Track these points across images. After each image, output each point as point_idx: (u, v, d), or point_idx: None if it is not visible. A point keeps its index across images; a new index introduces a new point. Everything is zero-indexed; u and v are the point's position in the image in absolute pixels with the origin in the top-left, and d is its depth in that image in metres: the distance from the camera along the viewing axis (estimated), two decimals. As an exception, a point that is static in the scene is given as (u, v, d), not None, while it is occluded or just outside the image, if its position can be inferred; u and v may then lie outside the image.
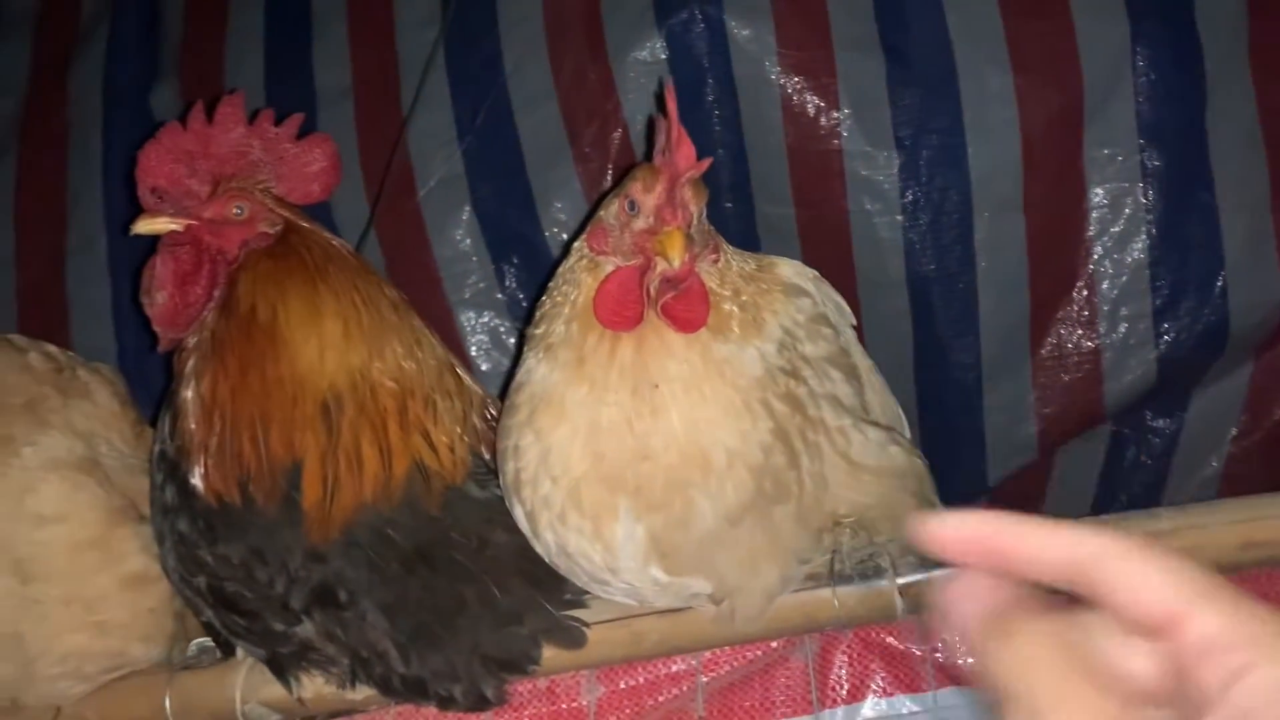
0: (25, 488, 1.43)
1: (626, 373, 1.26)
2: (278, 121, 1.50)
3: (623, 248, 1.28)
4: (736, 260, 1.36)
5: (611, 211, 1.30)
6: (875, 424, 1.42)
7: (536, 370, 1.34)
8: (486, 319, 2.66)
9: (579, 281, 1.32)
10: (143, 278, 1.44)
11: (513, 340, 2.67)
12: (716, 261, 1.31)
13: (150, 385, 1.81)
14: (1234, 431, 2.65)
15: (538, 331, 1.36)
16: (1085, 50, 2.41)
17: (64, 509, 1.45)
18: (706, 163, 1.24)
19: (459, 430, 1.46)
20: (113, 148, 2.79)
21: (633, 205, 1.25)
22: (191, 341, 1.43)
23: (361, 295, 1.46)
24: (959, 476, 2.75)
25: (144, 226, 1.42)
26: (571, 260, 1.37)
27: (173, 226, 1.41)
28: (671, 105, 1.23)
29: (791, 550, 1.34)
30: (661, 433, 1.25)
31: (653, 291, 1.25)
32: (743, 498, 1.27)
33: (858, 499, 1.37)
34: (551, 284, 1.39)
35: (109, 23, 2.89)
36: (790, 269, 1.45)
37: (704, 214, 1.28)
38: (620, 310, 1.26)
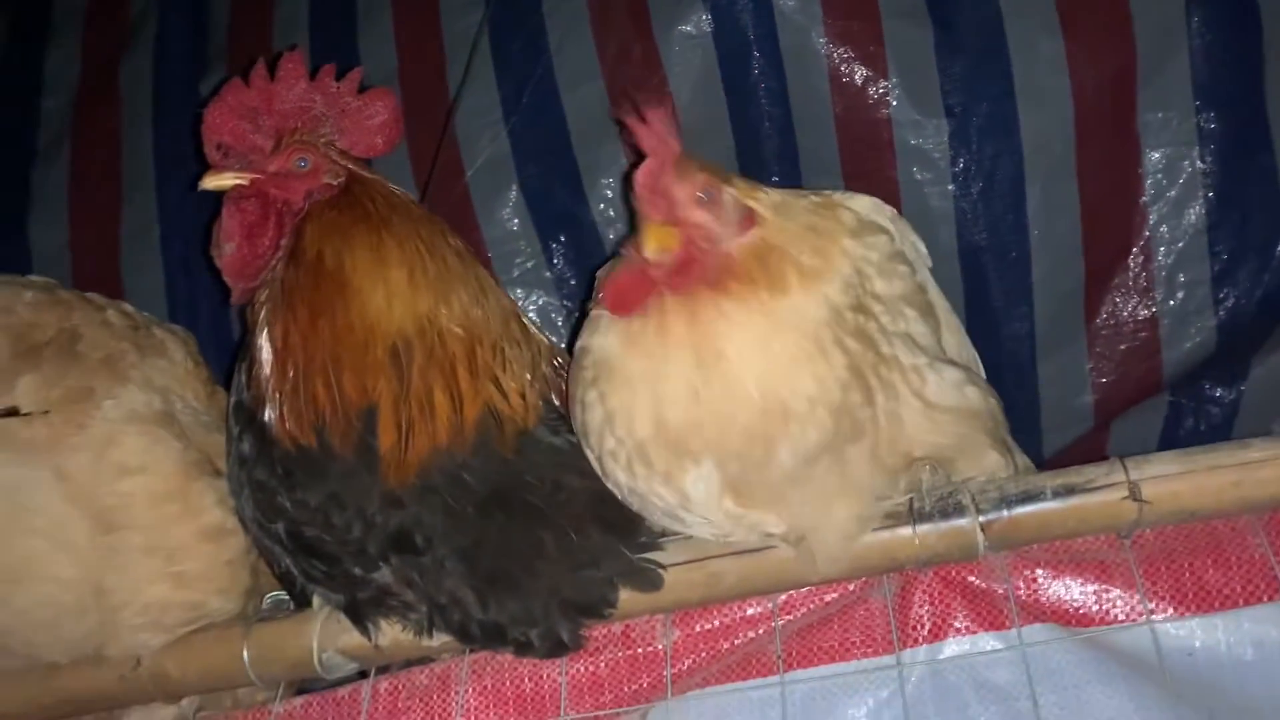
0: (108, 440, 1.45)
1: (685, 346, 1.25)
2: (338, 77, 1.51)
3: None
4: (797, 212, 1.35)
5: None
6: (952, 363, 1.40)
7: (595, 335, 1.34)
8: (535, 298, 2.66)
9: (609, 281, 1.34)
10: (213, 232, 1.45)
11: (561, 319, 2.66)
12: (748, 230, 1.29)
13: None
14: (1297, 401, 2.60)
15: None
16: (1139, 12, 2.38)
17: (144, 460, 1.46)
18: (677, 145, 1.25)
19: (529, 377, 1.45)
20: (163, 140, 2.82)
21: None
22: (263, 294, 1.44)
23: (425, 244, 1.46)
24: (1013, 449, 2.72)
25: (211, 182, 1.43)
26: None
27: (239, 181, 1.43)
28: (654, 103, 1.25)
29: (866, 489, 1.33)
30: (737, 398, 1.24)
31: (656, 278, 1.26)
32: (823, 438, 1.26)
33: (934, 439, 1.36)
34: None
35: (157, 18, 2.93)
36: (867, 204, 1.43)
37: (716, 190, 1.28)
38: (623, 299, 1.29)
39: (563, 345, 2.28)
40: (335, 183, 1.47)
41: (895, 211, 1.46)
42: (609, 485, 1.36)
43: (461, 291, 1.45)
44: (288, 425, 1.37)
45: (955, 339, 1.48)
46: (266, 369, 1.40)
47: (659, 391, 1.26)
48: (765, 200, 1.32)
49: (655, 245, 1.23)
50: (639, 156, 1.26)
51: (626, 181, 1.30)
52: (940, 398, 1.35)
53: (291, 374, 1.38)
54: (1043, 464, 2.71)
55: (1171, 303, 2.52)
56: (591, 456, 1.37)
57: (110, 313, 1.58)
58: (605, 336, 1.32)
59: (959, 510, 1.33)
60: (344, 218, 1.44)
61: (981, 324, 2.61)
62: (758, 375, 1.24)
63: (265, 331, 1.41)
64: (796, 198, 1.40)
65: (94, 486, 1.43)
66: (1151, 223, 2.49)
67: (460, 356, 1.41)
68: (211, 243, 1.46)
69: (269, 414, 1.39)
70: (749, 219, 1.29)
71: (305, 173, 1.45)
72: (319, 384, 1.36)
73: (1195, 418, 2.63)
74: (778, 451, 1.25)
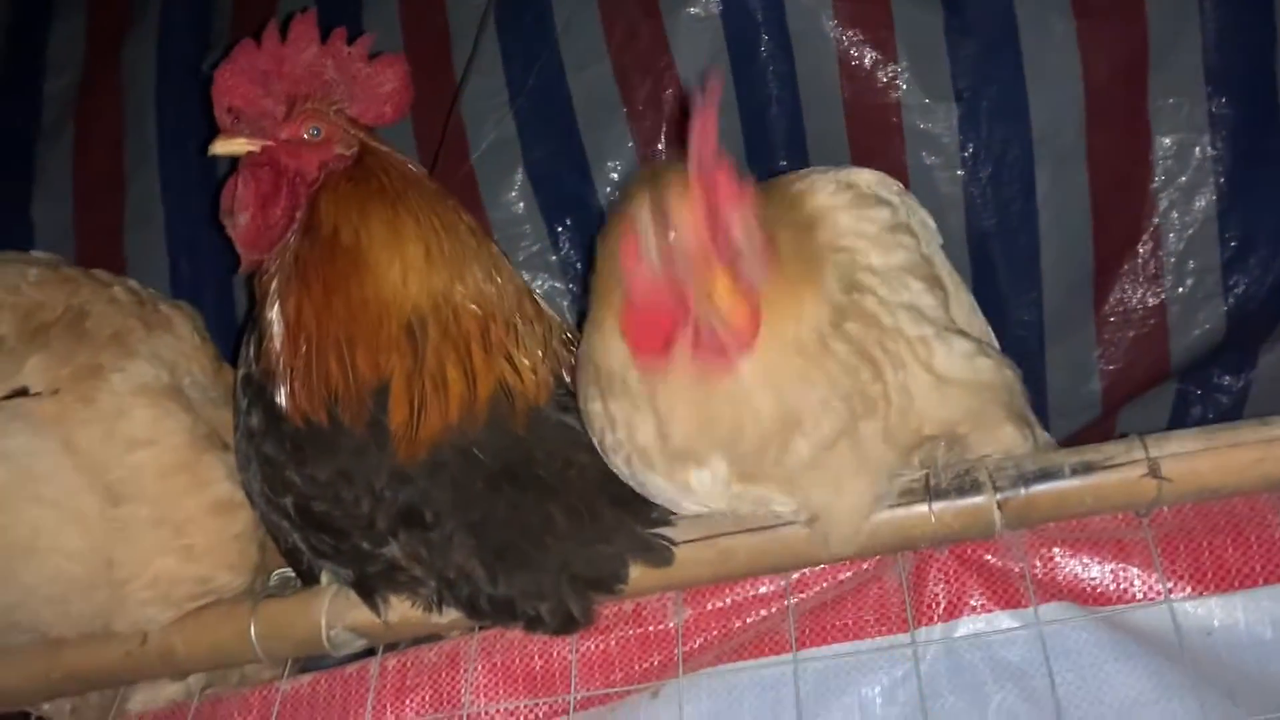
0: (117, 412, 1.44)
1: (690, 370, 1.19)
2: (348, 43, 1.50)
3: (654, 264, 1.16)
4: (778, 218, 1.24)
5: (644, 219, 1.16)
6: (962, 334, 1.38)
7: (594, 338, 1.29)
8: (541, 281, 2.65)
9: (614, 278, 1.23)
10: (222, 199, 1.44)
11: (567, 303, 2.65)
12: (762, 273, 1.17)
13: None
14: (1306, 388, 2.59)
15: (590, 305, 1.31)
16: (1151, -5, 2.37)
17: (153, 433, 1.46)
18: (750, 196, 1.12)
19: (540, 353, 1.44)
20: (167, 121, 2.81)
21: (665, 221, 1.14)
22: (273, 265, 1.42)
23: (440, 219, 1.45)
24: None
25: (221, 147, 1.42)
26: (605, 239, 1.27)
27: (250, 148, 1.42)
28: (708, 116, 1.10)
29: (880, 466, 1.31)
30: (748, 414, 1.21)
31: (690, 333, 1.16)
32: (838, 425, 1.25)
33: (945, 414, 1.34)
34: (598, 258, 1.30)
35: (162, -2, 2.91)
36: (871, 178, 1.41)
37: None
38: (649, 342, 1.19)
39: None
40: (349, 153, 1.46)
41: (902, 186, 1.44)
42: (611, 466, 1.35)
43: (476, 268, 1.44)
44: (299, 401, 1.36)
45: (965, 313, 1.46)
46: (277, 343, 1.38)
47: (664, 409, 1.23)
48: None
49: (730, 310, 1.14)
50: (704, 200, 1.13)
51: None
52: (949, 369, 1.32)
53: (304, 349, 1.36)
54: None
55: (1181, 289, 2.51)
56: (594, 439, 1.36)
57: (116, 289, 1.57)
58: (609, 342, 1.25)
59: (975, 488, 1.31)
60: (359, 191, 1.43)
61: (989, 310, 2.53)
62: (767, 395, 1.21)
63: (277, 305, 1.40)
64: (784, 185, 1.38)
65: (103, 459, 1.42)
66: (1162, 209, 2.47)
67: (474, 333, 1.40)
68: (221, 210, 1.44)
69: (280, 389, 1.37)
70: (766, 250, 1.18)
71: (318, 142, 1.43)
72: (332, 360, 1.35)
73: (1203, 405, 2.62)
74: (794, 446, 1.24)
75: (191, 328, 1.61)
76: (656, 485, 1.32)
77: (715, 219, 1.12)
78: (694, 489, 1.30)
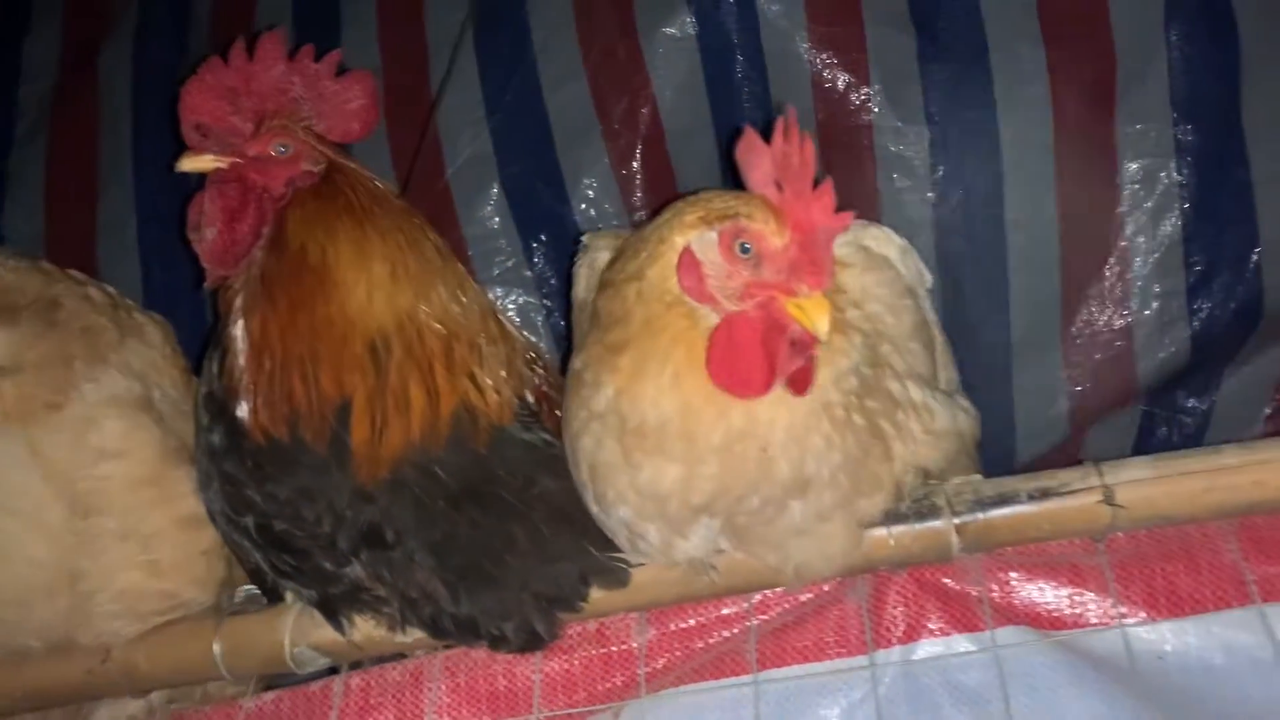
0: (87, 422, 1.43)
1: (733, 431, 1.19)
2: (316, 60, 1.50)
3: (728, 292, 1.17)
4: None
5: (708, 243, 1.17)
6: (943, 391, 1.42)
7: (628, 386, 1.22)
8: (515, 297, 2.66)
9: (667, 323, 1.19)
10: (189, 214, 1.44)
11: (541, 319, 2.66)
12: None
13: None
14: (1267, 411, 2.61)
15: (611, 357, 1.24)
16: (1118, 23, 2.40)
17: (124, 445, 1.45)
18: (849, 217, 1.13)
19: (504, 374, 1.45)
20: (142, 130, 2.80)
21: (746, 248, 1.14)
22: (239, 281, 1.42)
23: (407, 237, 1.45)
24: (988, 455, 2.72)
25: (189, 164, 1.42)
26: (638, 284, 1.22)
27: (218, 164, 1.42)
28: (802, 140, 1.12)
29: (864, 534, 1.34)
30: (767, 478, 1.21)
31: (782, 357, 1.16)
32: (838, 498, 1.26)
33: (931, 461, 1.37)
34: (612, 298, 1.27)
35: (139, 7, 2.91)
36: (874, 240, 1.43)
37: None
38: (742, 372, 1.15)
39: (542, 344, 2.27)
40: (316, 170, 1.46)
41: (906, 243, 1.47)
42: (594, 510, 1.34)
43: (441, 287, 1.45)
44: (261, 418, 1.36)
45: (943, 360, 1.49)
46: (241, 359, 1.38)
47: (696, 468, 1.21)
48: None
49: (828, 321, 1.11)
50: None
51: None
52: (943, 425, 1.36)
53: (268, 366, 1.36)
54: (1016, 472, 2.75)
55: (1147, 313, 2.53)
56: (587, 489, 1.33)
57: (92, 289, 1.57)
58: (660, 397, 1.20)
59: (934, 512, 1.33)
60: (327, 208, 1.43)
61: (959, 332, 2.59)
62: (793, 456, 1.21)
63: (241, 321, 1.40)
64: None
65: (71, 469, 1.41)
66: (1128, 233, 2.50)
67: (438, 353, 1.40)
68: (188, 225, 1.44)
69: (242, 406, 1.37)
70: None
71: (286, 159, 1.43)
72: (295, 377, 1.35)
73: (1168, 427, 2.65)
74: (790, 510, 1.25)
75: (163, 338, 1.61)
76: (646, 536, 1.31)
77: (817, 241, 1.12)
78: (683, 545, 1.31)
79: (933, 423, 1.34)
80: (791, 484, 1.22)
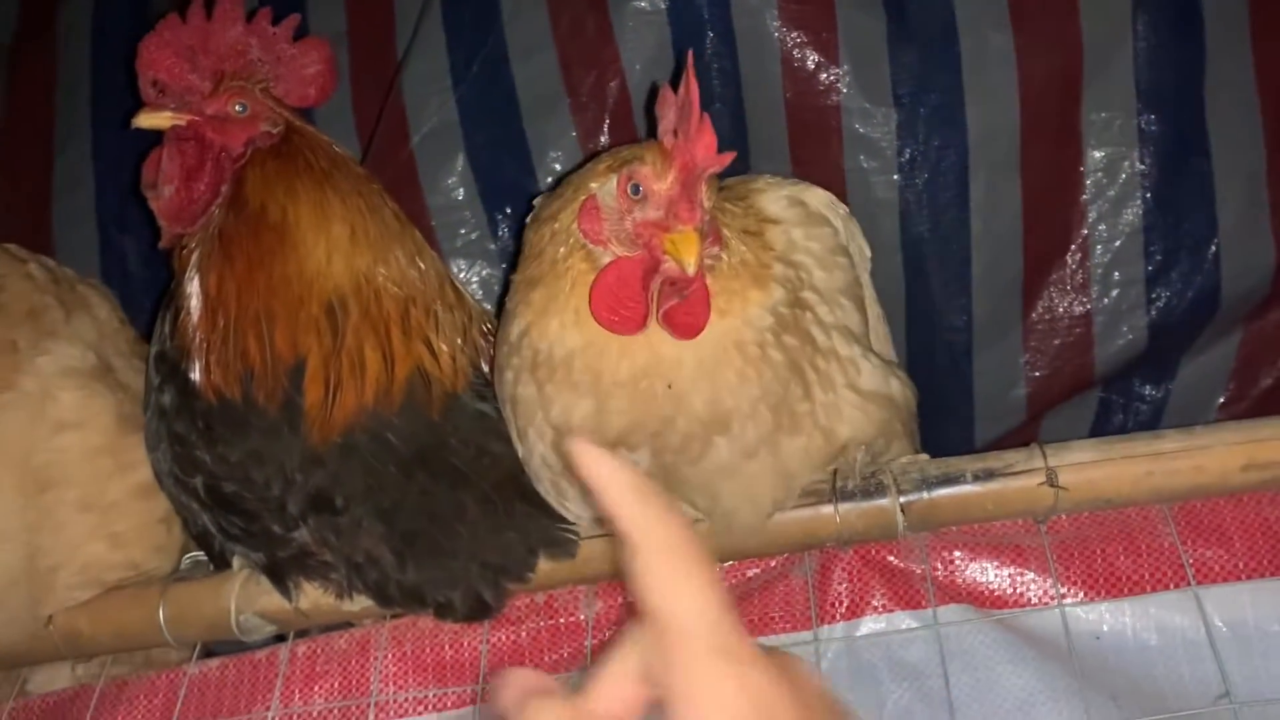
0: (44, 395, 1.42)
1: (638, 363, 1.21)
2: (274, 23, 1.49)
3: (620, 235, 1.20)
4: (734, 220, 1.29)
5: (608, 189, 1.22)
6: (878, 355, 1.42)
7: (536, 323, 1.27)
8: (479, 269, 2.63)
9: (570, 265, 1.24)
10: (145, 171, 1.42)
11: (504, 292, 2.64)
12: (719, 253, 1.24)
13: (137, 325, 1.79)
14: (1221, 400, 2.65)
15: (526, 291, 1.29)
16: (1087, 11, 2.40)
17: (81, 416, 1.44)
18: (729, 157, 1.16)
19: (460, 341, 1.45)
20: (100, 93, 2.75)
21: (636, 189, 1.18)
22: (195, 240, 1.41)
23: (366, 202, 1.44)
24: (946, 439, 2.74)
25: (146, 120, 1.40)
26: (552, 225, 1.28)
27: (175, 121, 1.40)
28: (692, 84, 1.13)
29: (795, 478, 1.34)
30: (682, 413, 1.22)
31: (655, 294, 1.19)
32: (762, 433, 1.27)
33: (864, 428, 1.37)
34: (534, 234, 1.32)
35: (99, -36, 2.85)
36: (821, 199, 1.44)
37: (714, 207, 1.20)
38: (620, 310, 1.19)
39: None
40: (275, 131, 1.44)
41: (848, 211, 1.47)
42: (520, 450, 1.35)
43: (399, 251, 1.44)
44: (213, 377, 1.35)
45: (880, 343, 1.50)
46: (195, 317, 1.37)
47: (605, 402, 1.23)
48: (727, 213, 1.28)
49: (696, 257, 1.13)
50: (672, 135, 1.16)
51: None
52: (872, 386, 1.36)
53: (222, 324, 1.35)
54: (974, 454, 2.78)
55: (1106, 300, 2.56)
56: (511, 424, 1.36)
57: (32, 266, 1.54)
58: (564, 332, 1.23)
59: (880, 490, 1.34)
60: (286, 169, 1.42)
61: (921, 315, 2.64)
62: (703, 394, 1.22)
63: (196, 279, 1.38)
64: (740, 188, 1.40)
65: (29, 444, 1.40)
66: (1090, 220, 2.52)
67: (395, 316, 1.39)
68: (144, 183, 1.42)
69: (194, 365, 1.36)
70: (716, 237, 1.23)
71: (244, 118, 1.42)
72: (250, 337, 1.34)
73: (1124, 414, 2.68)
74: (715, 446, 1.26)
75: (110, 307, 1.59)
76: (570, 477, 1.32)
77: (694, 179, 1.15)
78: None
79: (858, 378, 1.34)
80: (710, 419, 1.23)
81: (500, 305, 1.44)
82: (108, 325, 1.57)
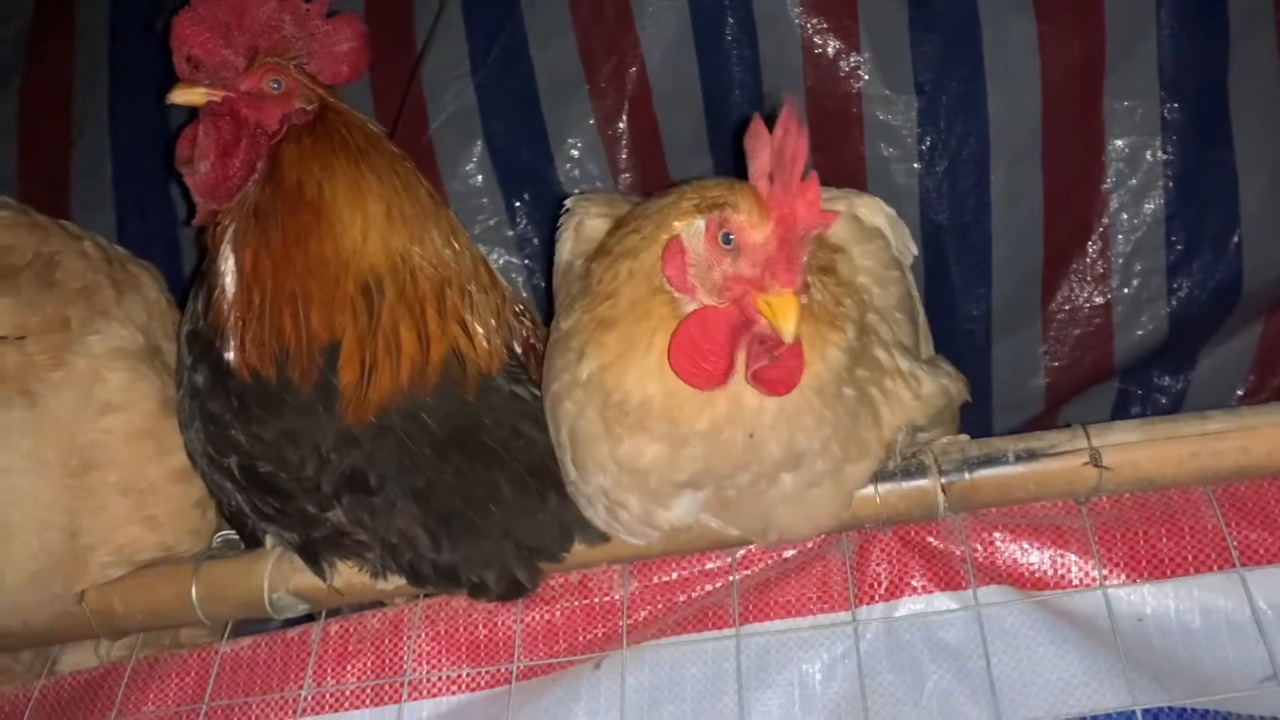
0: (95, 375, 1.41)
1: (719, 417, 1.17)
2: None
3: (707, 284, 1.14)
4: (812, 260, 1.19)
5: (694, 233, 1.15)
6: (926, 361, 1.43)
7: (612, 364, 1.20)
8: (496, 256, 2.63)
9: (649, 309, 1.17)
10: (180, 147, 1.41)
11: (522, 279, 2.63)
12: (805, 303, 1.15)
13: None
14: (1240, 392, 2.64)
15: (598, 331, 1.22)
16: (1110, -1, 2.40)
17: (127, 398, 1.44)
18: (833, 217, 1.10)
19: (494, 323, 1.44)
20: (119, 76, 2.74)
21: (728, 238, 1.11)
22: (229, 217, 1.40)
23: (402, 181, 1.44)
24: (963, 428, 2.74)
25: (180, 96, 1.39)
26: (630, 263, 1.20)
27: (210, 97, 1.39)
28: (794, 129, 1.06)
29: (851, 498, 1.34)
30: (757, 458, 1.20)
31: (746, 353, 1.13)
32: (829, 466, 1.26)
33: (917, 421, 1.37)
34: (606, 271, 1.24)
35: (117, -53, 2.84)
36: (867, 209, 1.43)
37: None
38: (702, 363, 1.12)
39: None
40: (310, 108, 1.44)
41: (894, 213, 1.47)
42: (572, 473, 1.32)
43: (434, 231, 1.43)
44: (248, 355, 1.34)
45: (924, 333, 1.51)
46: (230, 295, 1.36)
47: (681, 449, 1.19)
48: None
49: (795, 324, 1.08)
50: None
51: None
52: (929, 391, 1.37)
53: (257, 301, 1.34)
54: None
55: (1126, 290, 2.55)
56: (565, 450, 1.31)
57: (86, 243, 1.54)
58: (643, 381, 1.18)
59: (921, 471, 1.34)
60: (322, 145, 1.41)
61: (940, 304, 2.63)
62: (783, 438, 1.20)
63: (232, 257, 1.37)
64: None
65: (75, 424, 1.39)
66: (1111, 210, 2.51)
67: (430, 296, 1.39)
68: (179, 159, 1.41)
69: (229, 343, 1.35)
70: (805, 291, 1.16)
71: (279, 95, 1.41)
72: (285, 315, 1.33)
73: (1142, 405, 2.67)
74: (782, 482, 1.25)
75: (159, 288, 1.59)
76: (626, 505, 1.29)
77: (796, 238, 1.08)
78: (665, 515, 1.29)
79: (920, 389, 1.35)
80: (783, 460, 1.22)
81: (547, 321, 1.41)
82: (157, 306, 1.56)
